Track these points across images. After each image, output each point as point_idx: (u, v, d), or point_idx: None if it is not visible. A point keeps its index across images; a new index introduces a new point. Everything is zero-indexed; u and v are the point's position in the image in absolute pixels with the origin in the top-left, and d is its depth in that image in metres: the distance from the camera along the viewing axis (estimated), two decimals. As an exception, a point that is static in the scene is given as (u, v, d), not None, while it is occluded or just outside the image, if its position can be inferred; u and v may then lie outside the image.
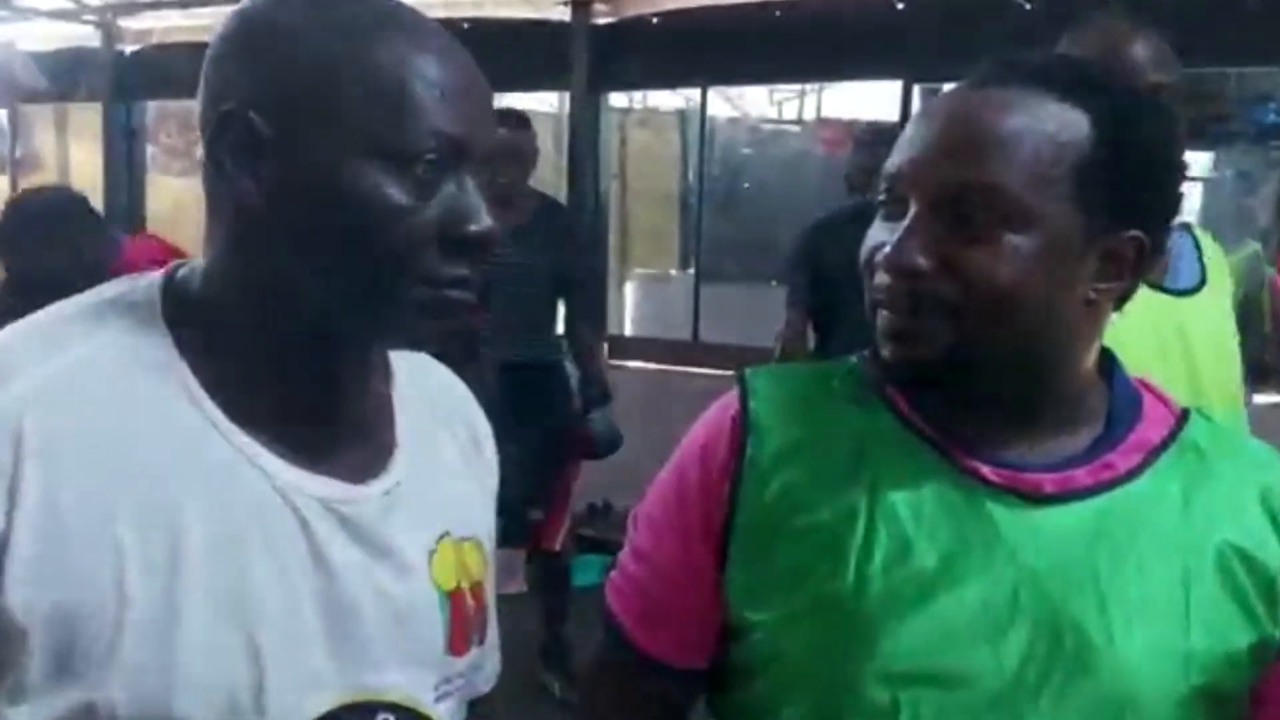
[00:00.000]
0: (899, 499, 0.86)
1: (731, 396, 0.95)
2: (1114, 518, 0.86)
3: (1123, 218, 0.85)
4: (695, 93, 5.89)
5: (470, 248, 0.78)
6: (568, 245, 3.69)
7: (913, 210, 0.83)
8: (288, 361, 0.80)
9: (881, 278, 0.84)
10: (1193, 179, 7.05)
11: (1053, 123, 0.83)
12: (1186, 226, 1.84)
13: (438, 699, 0.85)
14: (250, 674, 0.74)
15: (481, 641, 0.91)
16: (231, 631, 0.74)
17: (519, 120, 3.71)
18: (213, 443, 0.77)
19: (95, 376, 0.75)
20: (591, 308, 3.83)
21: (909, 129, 0.87)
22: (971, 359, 0.84)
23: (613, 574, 1.01)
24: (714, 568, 0.91)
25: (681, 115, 7.26)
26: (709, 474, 0.92)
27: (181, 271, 0.83)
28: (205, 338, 0.79)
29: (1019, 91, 0.84)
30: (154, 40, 6.74)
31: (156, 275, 0.83)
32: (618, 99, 6.35)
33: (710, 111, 6.03)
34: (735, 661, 0.93)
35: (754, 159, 7.12)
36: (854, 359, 0.97)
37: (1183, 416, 0.92)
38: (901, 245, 0.82)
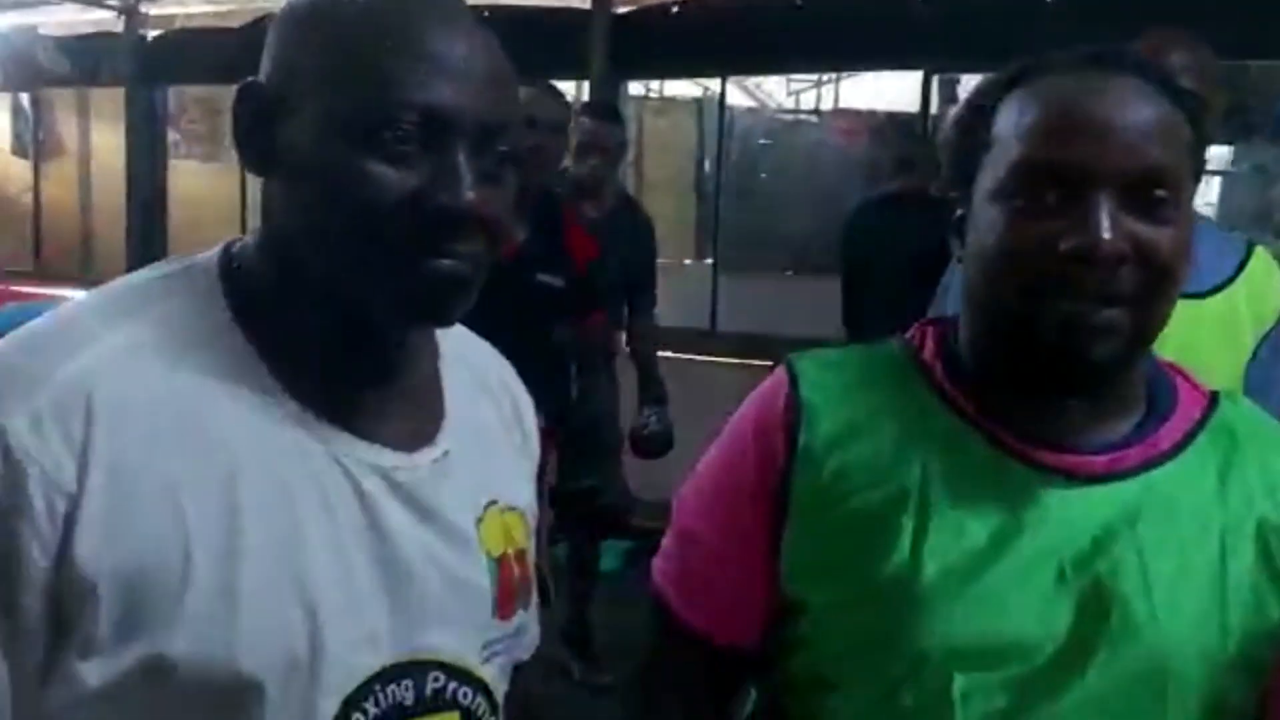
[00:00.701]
0: (949, 480, 0.89)
1: (779, 380, 0.96)
2: (1155, 496, 0.89)
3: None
4: (713, 82, 5.90)
5: (451, 221, 0.77)
6: (641, 242, 3.68)
7: (1104, 199, 0.83)
8: (328, 332, 0.83)
9: (1069, 270, 0.83)
10: (1211, 172, 7.04)
11: (1173, 112, 0.87)
12: (1245, 240, 1.85)
13: (485, 660, 0.88)
14: (307, 631, 0.77)
15: (526, 607, 0.94)
16: (289, 590, 0.77)
17: (606, 112, 3.74)
18: (269, 410, 0.80)
19: (158, 348, 0.78)
20: (651, 307, 3.78)
21: (1054, 120, 0.85)
22: (1139, 347, 0.87)
23: (657, 558, 1.02)
24: (768, 549, 0.93)
25: (699, 104, 7.27)
26: (764, 457, 0.94)
27: (236, 246, 0.86)
28: (257, 309, 0.82)
29: (1141, 82, 0.87)
30: (176, 25, 6.79)
31: (215, 250, 0.86)
32: (635, 88, 6.36)
33: (728, 101, 6.03)
34: (786, 638, 0.95)
35: (771, 149, 7.12)
36: (893, 342, 0.98)
37: (1213, 398, 0.95)
38: (1106, 233, 0.82)
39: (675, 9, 5.11)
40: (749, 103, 7.21)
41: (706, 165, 6.90)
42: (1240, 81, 5.99)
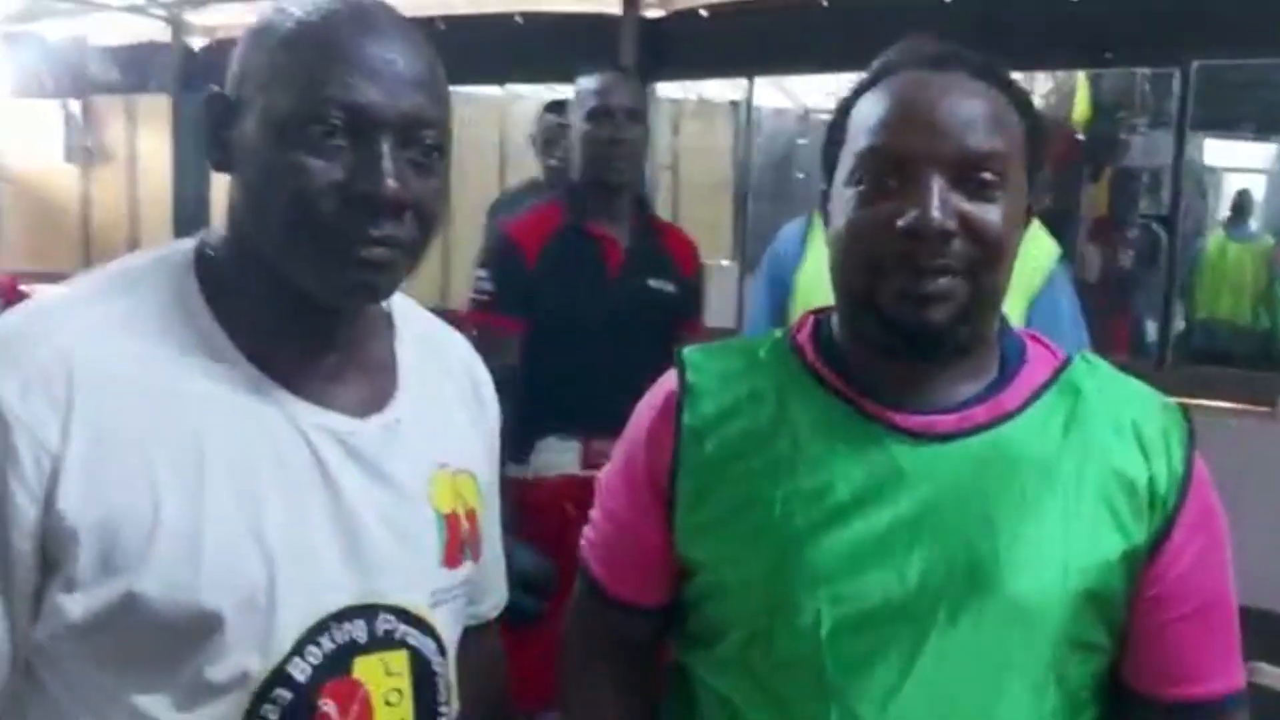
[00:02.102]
0: (817, 446, 0.98)
1: (672, 371, 1.07)
2: (1001, 449, 0.96)
3: (1031, 183, 0.98)
4: (744, 83, 5.94)
5: (372, 206, 0.85)
6: None
7: (934, 181, 0.92)
8: (281, 308, 0.91)
9: (904, 244, 0.92)
10: (1256, 171, 6.96)
11: (1005, 104, 0.97)
12: None
13: (434, 605, 0.96)
14: (264, 574, 0.86)
15: (475, 559, 1.02)
16: (247, 537, 0.86)
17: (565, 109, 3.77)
18: (232, 378, 0.88)
19: (135, 323, 0.87)
20: None
21: (893, 114, 0.95)
22: (975, 313, 0.95)
23: (585, 529, 1.13)
24: (663, 520, 1.03)
25: (734, 106, 7.29)
26: (652, 442, 1.04)
27: (212, 236, 0.95)
28: (223, 289, 0.91)
29: (974, 78, 0.96)
30: (220, 34, 6.94)
31: (192, 239, 0.95)
32: (673, 90, 6.41)
33: (761, 101, 6.07)
34: (687, 598, 1.05)
35: (805, 149, 7.13)
36: (777, 331, 1.08)
37: (1066, 361, 1.02)
38: (935, 211, 0.91)
39: (705, 12, 5.15)
40: (783, 103, 7.23)
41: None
42: (1277, 79, 5.93)
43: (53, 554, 0.82)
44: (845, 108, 1.00)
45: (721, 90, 7.31)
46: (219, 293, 0.90)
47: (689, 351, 1.06)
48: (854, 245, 0.95)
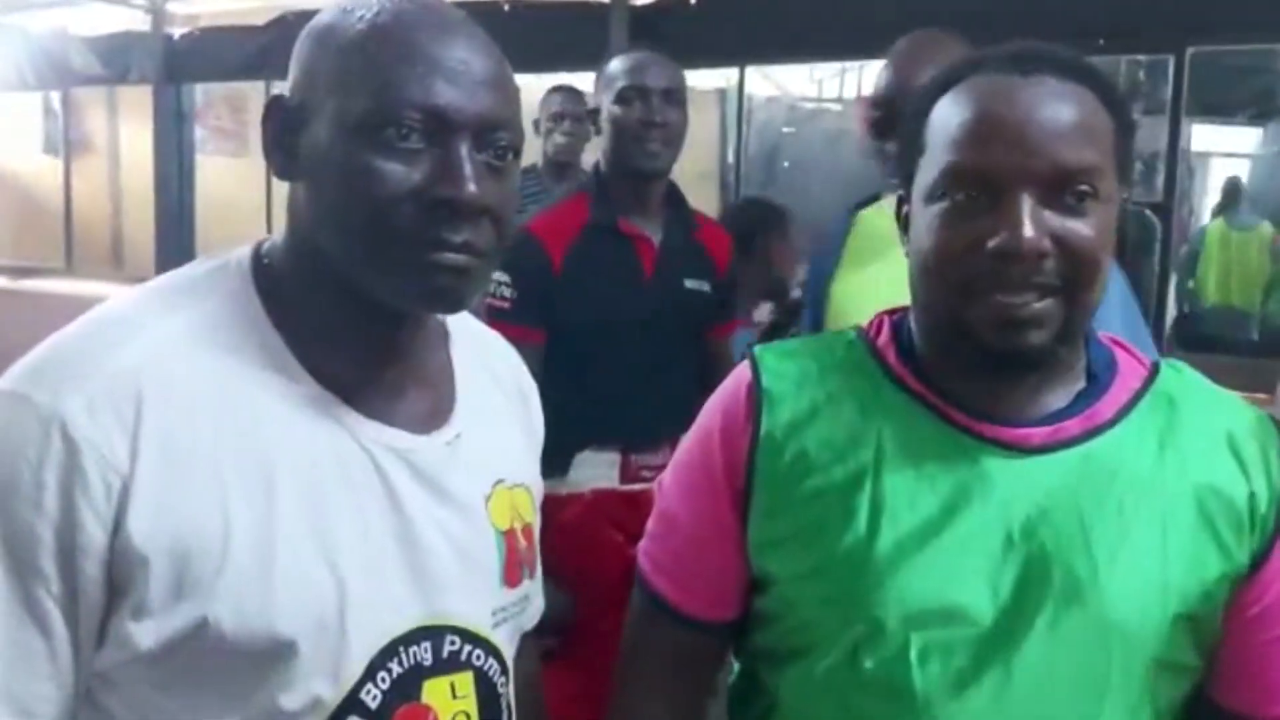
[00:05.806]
0: (902, 458, 0.94)
1: (744, 372, 1.02)
2: (1096, 463, 0.93)
3: (1123, 184, 0.94)
4: (735, 72, 5.91)
5: (453, 211, 0.83)
6: None
7: (1025, 198, 0.87)
8: (348, 321, 0.88)
9: (996, 265, 0.87)
10: (1242, 155, 6.98)
11: (1095, 106, 0.91)
12: None
13: (495, 625, 0.95)
14: (335, 596, 0.84)
15: (532, 575, 1.00)
16: (318, 560, 0.83)
17: (568, 89, 3.71)
18: (297, 396, 0.86)
19: (201, 337, 0.85)
20: None
21: (978, 126, 0.89)
22: (1070, 334, 0.91)
23: (643, 540, 1.08)
24: (738, 530, 0.99)
25: (721, 94, 7.27)
26: (728, 447, 0.99)
27: (266, 245, 0.92)
28: (284, 302, 0.88)
29: (1062, 80, 0.91)
30: (202, 24, 6.87)
31: (247, 248, 0.92)
32: (657, 79, 6.36)
33: (749, 90, 6.04)
34: (761, 610, 1.01)
35: (794, 137, 7.11)
36: (851, 331, 1.03)
37: (1154, 368, 0.99)
38: (1028, 230, 0.86)
39: (693, 0, 5.12)
40: (771, 92, 7.21)
41: (730, 156, 6.91)
42: (1271, 65, 5.94)
43: (121, 579, 0.79)
44: (922, 110, 0.94)
45: (706, 78, 7.28)
46: (279, 304, 0.88)
47: (761, 352, 1.02)
48: (941, 267, 0.90)
